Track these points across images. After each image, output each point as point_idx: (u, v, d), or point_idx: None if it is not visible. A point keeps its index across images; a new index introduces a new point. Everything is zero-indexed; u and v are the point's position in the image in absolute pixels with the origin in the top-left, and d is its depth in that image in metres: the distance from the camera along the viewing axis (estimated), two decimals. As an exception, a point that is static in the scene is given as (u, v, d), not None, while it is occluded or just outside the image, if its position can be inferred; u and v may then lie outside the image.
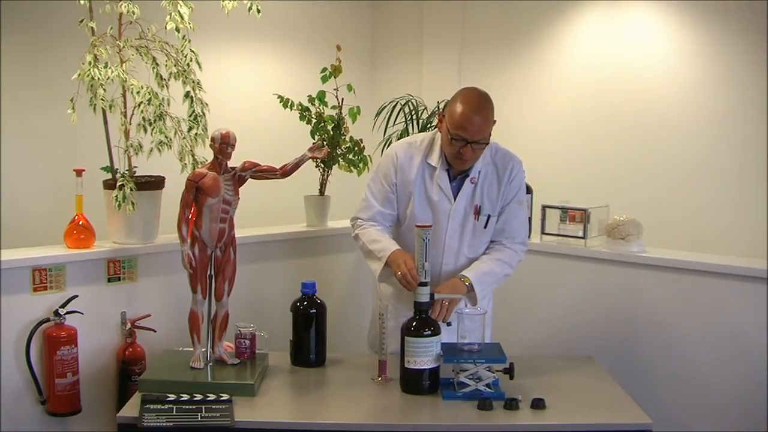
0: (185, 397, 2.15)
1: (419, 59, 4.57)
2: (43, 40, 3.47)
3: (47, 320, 2.52)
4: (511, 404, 2.16)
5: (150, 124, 2.66)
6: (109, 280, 2.71)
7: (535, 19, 4.12)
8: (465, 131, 2.38)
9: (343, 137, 3.45)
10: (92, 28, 2.66)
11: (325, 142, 3.32)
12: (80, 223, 2.68)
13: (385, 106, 3.88)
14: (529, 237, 2.85)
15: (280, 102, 3.40)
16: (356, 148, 3.48)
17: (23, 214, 3.38)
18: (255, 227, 3.26)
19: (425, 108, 3.88)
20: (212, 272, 2.39)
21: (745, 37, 3.42)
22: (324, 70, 3.47)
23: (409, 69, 4.63)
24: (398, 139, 3.25)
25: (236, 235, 2.43)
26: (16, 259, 2.50)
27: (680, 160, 3.64)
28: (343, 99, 3.47)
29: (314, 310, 2.51)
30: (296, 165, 2.41)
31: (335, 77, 3.46)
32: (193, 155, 2.75)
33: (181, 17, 2.68)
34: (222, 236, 2.37)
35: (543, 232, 3.32)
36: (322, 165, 3.47)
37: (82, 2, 2.62)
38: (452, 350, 2.30)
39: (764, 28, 3.34)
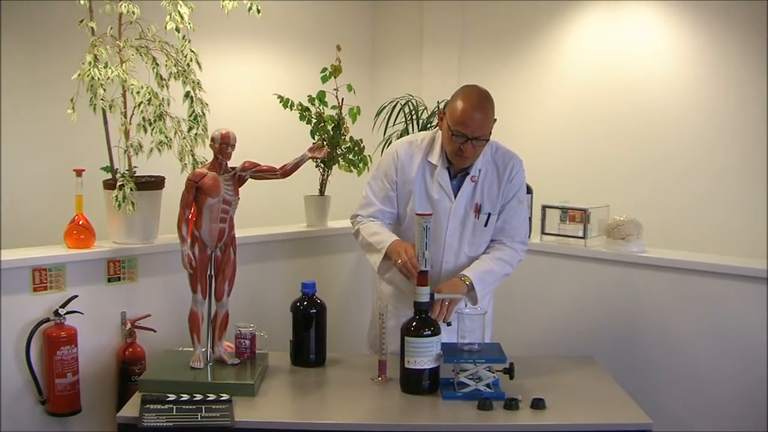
0: (185, 397, 2.15)
1: (419, 59, 4.57)
2: (43, 40, 3.48)
3: (47, 320, 2.52)
4: (511, 404, 2.16)
5: (150, 124, 2.66)
6: (109, 280, 2.71)
7: (535, 19, 4.12)
8: (466, 127, 2.38)
9: (343, 137, 3.45)
10: (92, 28, 2.66)
11: (325, 142, 3.32)
12: (80, 223, 2.68)
13: (385, 106, 3.88)
14: (529, 237, 2.85)
15: (280, 102, 3.40)
16: (356, 148, 3.48)
17: (23, 214, 3.39)
18: (255, 227, 3.26)
19: (425, 108, 3.88)
20: (212, 272, 2.39)
21: (745, 37, 3.42)
22: (324, 70, 3.47)
23: (409, 69, 4.64)
24: (398, 139, 3.24)
25: (236, 235, 2.43)
26: (16, 259, 2.50)
27: (680, 160, 3.64)
28: (343, 99, 3.47)
29: (314, 310, 2.51)
30: (296, 165, 2.41)
31: (335, 77, 3.46)
32: (193, 155, 2.75)
33: (181, 17, 2.69)
34: (222, 236, 2.37)
35: (543, 232, 3.32)
36: (322, 165, 3.47)
37: (82, 2, 2.62)
38: (452, 350, 2.30)
39: (764, 28, 3.34)
